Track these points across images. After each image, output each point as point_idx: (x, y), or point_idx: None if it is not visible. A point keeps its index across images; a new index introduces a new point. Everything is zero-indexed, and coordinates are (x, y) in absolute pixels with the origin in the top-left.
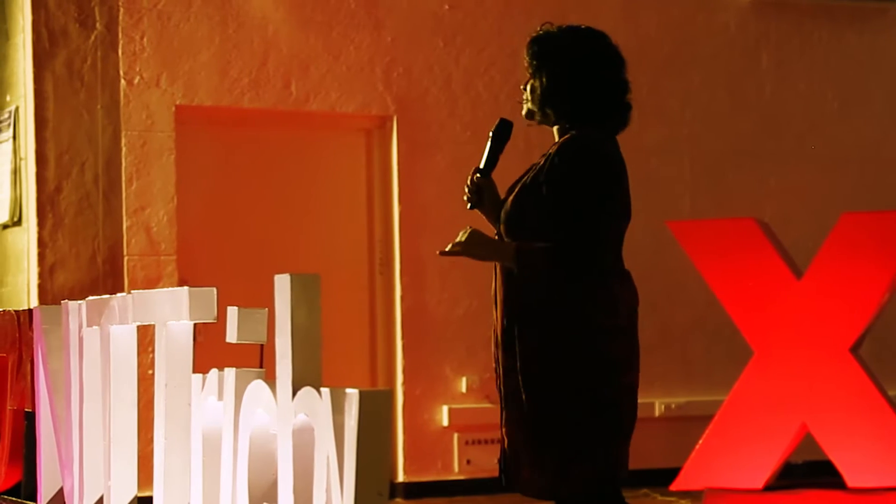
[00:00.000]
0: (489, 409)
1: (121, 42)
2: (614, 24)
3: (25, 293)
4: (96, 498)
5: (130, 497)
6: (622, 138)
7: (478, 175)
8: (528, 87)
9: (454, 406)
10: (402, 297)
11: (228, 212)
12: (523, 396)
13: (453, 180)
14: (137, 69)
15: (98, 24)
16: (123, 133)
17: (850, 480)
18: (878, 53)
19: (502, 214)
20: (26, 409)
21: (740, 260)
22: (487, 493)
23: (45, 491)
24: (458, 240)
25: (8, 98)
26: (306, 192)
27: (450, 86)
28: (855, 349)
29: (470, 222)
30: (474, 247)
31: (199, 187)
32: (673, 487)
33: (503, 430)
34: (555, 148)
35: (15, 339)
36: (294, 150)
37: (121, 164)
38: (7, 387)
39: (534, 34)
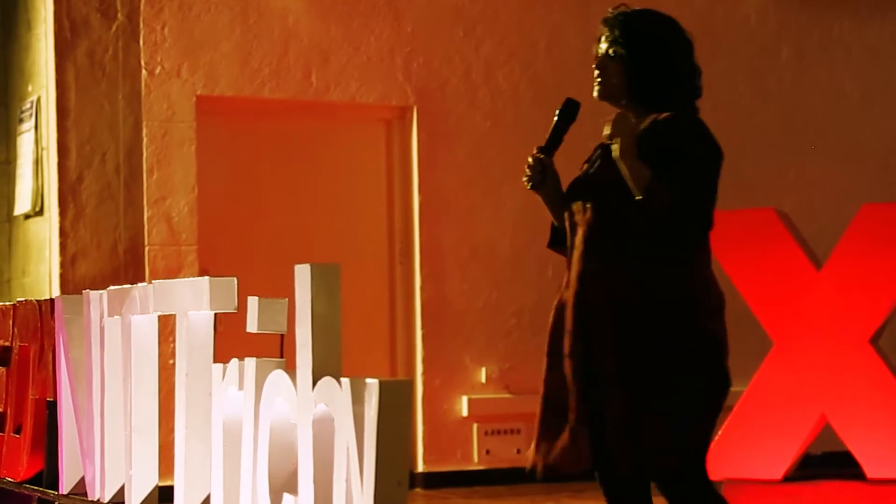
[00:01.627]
0: (509, 399)
1: (142, 32)
2: None
3: (47, 283)
4: (118, 487)
5: (151, 486)
6: None
7: (541, 154)
8: (607, 67)
9: (474, 396)
10: (422, 288)
11: (249, 202)
12: (622, 376)
13: (473, 170)
14: (158, 59)
15: (119, 15)
16: (144, 123)
17: (870, 471)
18: None
19: (599, 182)
20: (48, 399)
21: (760, 251)
22: (507, 483)
23: (66, 480)
24: (608, 131)
25: (30, 88)
26: (326, 183)
27: (470, 76)
28: (874, 340)
29: (490, 213)
30: (627, 135)
31: (220, 177)
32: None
33: (587, 411)
34: (657, 125)
35: (37, 329)
36: (314, 140)
37: (142, 154)
38: (29, 376)
39: (615, 14)
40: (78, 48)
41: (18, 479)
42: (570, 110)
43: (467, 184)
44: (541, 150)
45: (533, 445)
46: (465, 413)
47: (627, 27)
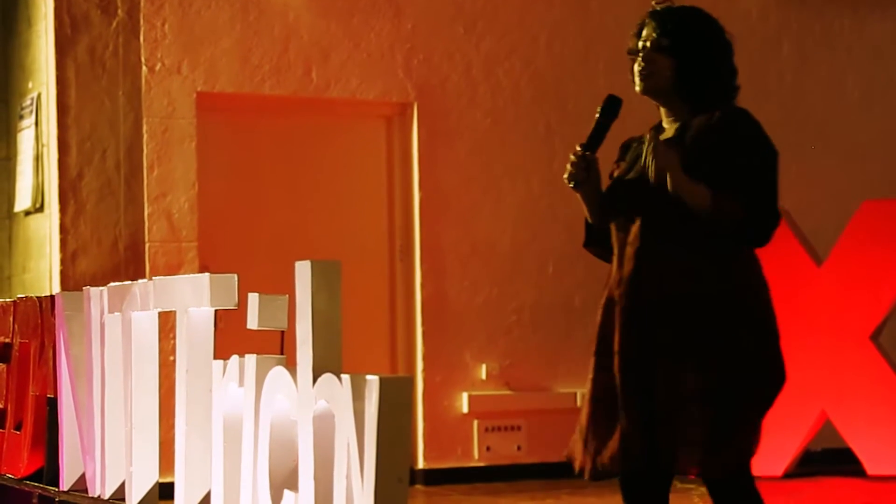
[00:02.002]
0: (509, 396)
1: (142, 29)
2: (636, 11)
3: (47, 279)
4: (118, 483)
5: (152, 483)
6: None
7: (587, 152)
8: (652, 64)
9: (474, 393)
10: (423, 285)
11: (249, 198)
12: (684, 373)
13: (473, 167)
14: (159, 56)
15: (120, 11)
16: (145, 120)
17: (870, 468)
18: None
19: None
20: (48, 395)
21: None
22: (507, 479)
23: (67, 476)
24: (647, 157)
25: (30, 85)
26: (327, 179)
27: (470, 73)
28: (875, 337)
29: (490, 210)
30: (670, 158)
31: (220, 174)
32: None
33: (640, 411)
34: (713, 123)
35: (37, 326)
36: (314, 136)
37: (142, 150)
38: (29, 373)
39: (664, 8)
40: (78, 45)
41: (19, 476)
42: (612, 107)
43: (468, 180)
44: (584, 147)
45: (579, 446)
46: (465, 410)
47: (678, 21)
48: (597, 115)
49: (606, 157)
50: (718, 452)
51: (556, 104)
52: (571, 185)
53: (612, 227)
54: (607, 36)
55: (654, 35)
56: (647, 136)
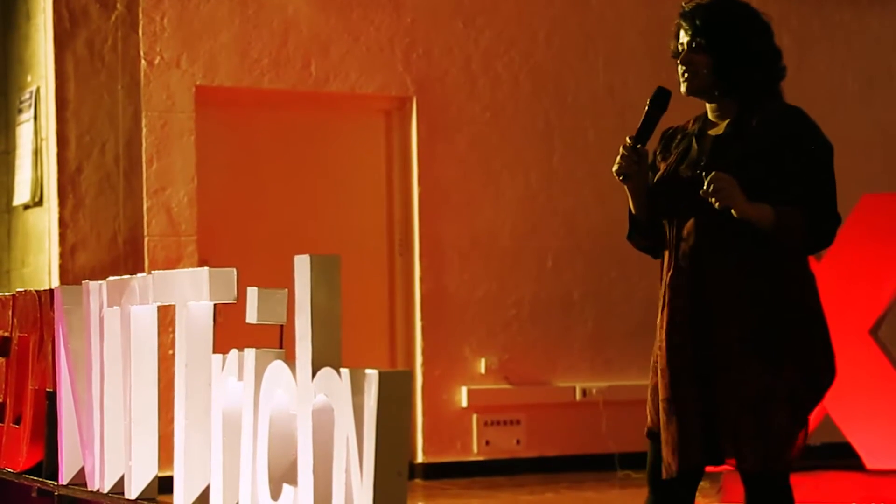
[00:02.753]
0: (508, 390)
1: (141, 22)
2: (635, 6)
3: (46, 273)
4: (117, 477)
5: (151, 476)
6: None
7: (639, 145)
8: (691, 65)
9: (473, 387)
10: (422, 279)
11: (248, 192)
12: (745, 373)
13: (473, 161)
14: (158, 50)
15: (118, 5)
16: (144, 114)
17: (869, 462)
18: None
19: (715, 187)
20: (47, 389)
21: None
22: (506, 473)
23: (66, 470)
24: (708, 188)
25: (29, 78)
26: (326, 173)
27: (469, 67)
28: (874, 331)
29: (490, 204)
30: (732, 193)
31: (220, 168)
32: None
33: (696, 407)
34: (769, 121)
35: (36, 319)
36: (314, 130)
37: (141, 144)
38: (28, 367)
39: (693, 7)
40: (77, 38)
41: (18, 470)
42: (661, 99)
43: (467, 175)
44: (634, 139)
45: (668, 448)
46: (464, 404)
47: (708, 18)
48: (646, 107)
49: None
50: (772, 450)
51: (556, 98)
52: (620, 179)
53: (665, 222)
54: (607, 30)
55: (687, 36)
56: (691, 127)
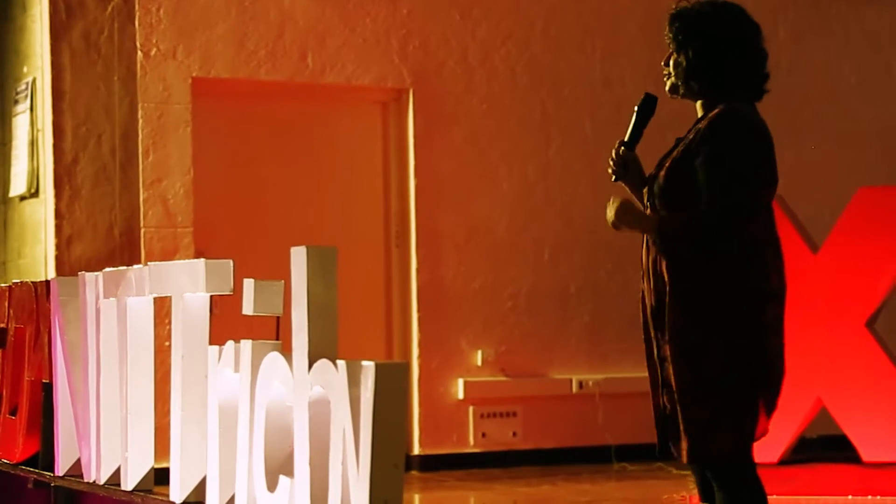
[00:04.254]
0: (504, 382)
1: (137, 14)
2: None
3: (43, 265)
4: (113, 469)
5: (147, 468)
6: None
7: (622, 148)
8: (672, 63)
9: (469, 379)
10: (418, 271)
11: (245, 184)
12: (673, 364)
13: (469, 153)
14: (154, 41)
15: None
16: (140, 105)
17: (865, 455)
18: None
19: (656, 189)
20: (44, 381)
21: None
22: (502, 465)
23: (62, 462)
24: (608, 212)
25: (25, 69)
26: (322, 165)
27: (466, 59)
28: (871, 323)
29: (486, 196)
30: (624, 216)
31: (216, 159)
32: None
33: (657, 399)
34: (704, 121)
35: (32, 311)
36: (310, 122)
37: (137, 136)
38: (24, 358)
39: (674, 10)
40: (73, 30)
41: (14, 461)
42: (648, 105)
43: (464, 166)
44: (622, 144)
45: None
46: (461, 396)
47: (685, 21)
48: (634, 114)
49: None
50: (704, 442)
51: (553, 90)
52: (613, 180)
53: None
54: (604, 22)
55: (669, 37)
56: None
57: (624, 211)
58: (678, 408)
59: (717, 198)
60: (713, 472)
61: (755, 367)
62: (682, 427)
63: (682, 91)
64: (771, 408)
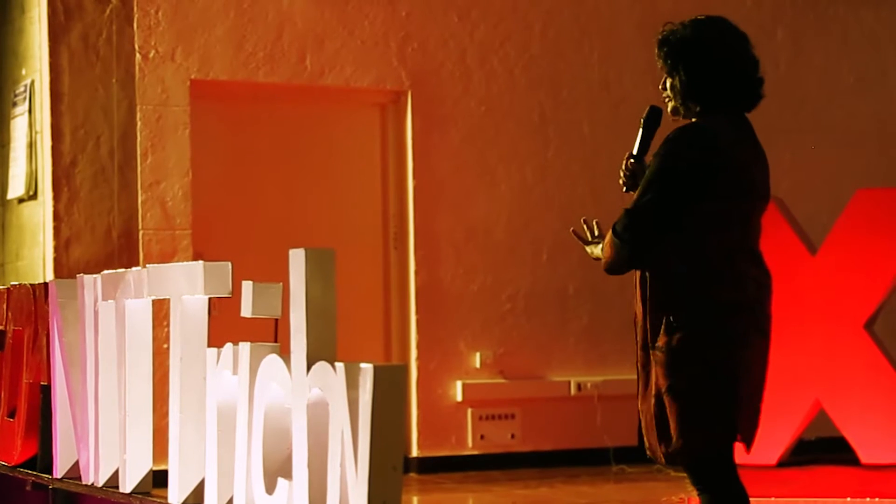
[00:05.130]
0: (503, 384)
1: (136, 16)
2: (630, 0)
3: (41, 267)
4: (112, 471)
5: (146, 470)
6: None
7: (632, 160)
8: (668, 86)
9: (468, 381)
10: (417, 272)
11: (243, 186)
12: (649, 370)
13: (468, 155)
14: (152, 43)
15: None
16: (138, 107)
17: (864, 457)
18: (895, 30)
19: None
20: (42, 383)
21: None
22: (501, 468)
23: (60, 464)
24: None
25: (23, 72)
26: (321, 167)
27: (464, 61)
28: (869, 325)
29: (485, 197)
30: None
31: (214, 161)
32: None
33: (638, 403)
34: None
35: (31, 313)
36: (309, 124)
37: (136, 138)
38: (23, 360)
39: (660, 35)
40: (72, 32)
41: (13, 463)
42: (653, 117)
43: (462, 168)
44: (631, 156)
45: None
46: (459, 398)
47: (671, 49)
48: (640, 127)
49: None
50: (682, 444)
51: (551, 92)
52: (625, 191)
53: None
54: (601, 24)
55: (659, 61)
56: None
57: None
58: (655, 412)
59: (627, 217)
60: (691, 475)
61: (720, 376)
62: (658, 431)
63: (682, 112)
64: (748, 415)
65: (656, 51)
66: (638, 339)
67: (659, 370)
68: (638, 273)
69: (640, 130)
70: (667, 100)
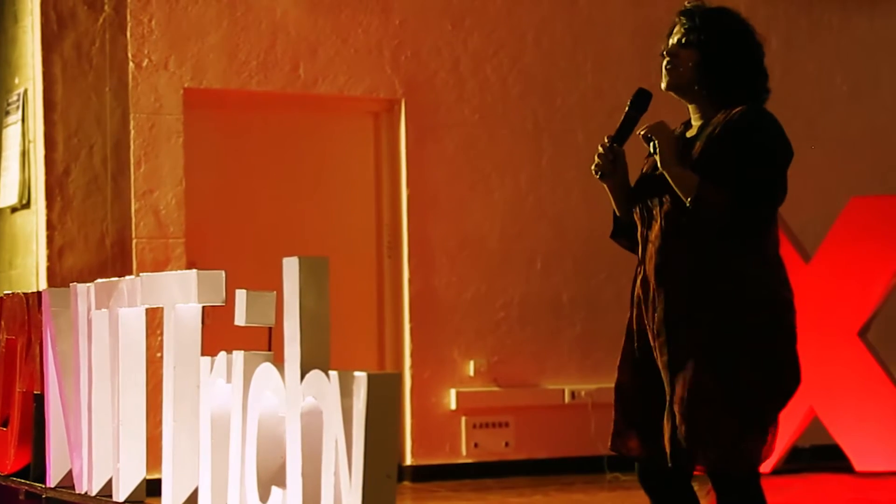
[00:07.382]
0: (497, 392)
1: (129, 24)
2: (623, 7)
3: (34, 276)
4: (105, 480)
5: (139, 479)
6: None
7: (615, 144)
8: (676, 58)
9: (462, 389)
10: (411, 281)
11: (237, 195)
12: (701, 373)
13: (461, 163)
14: (146, 52)
15: (106, 7)
16: (132, 116)
17: (858, 464)
18: (888, 38)
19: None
20: (35, 392)
21: None
22: (495, 476)
23: (54, 473)
24: (647, 133)
25: (16, 80)
26: (314, 175)
27: (458, 69)
28: (863, 333)
29: (478, 206)
30: (660, 132)
31: (208, 170)
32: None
33: (672, 408)
34: (729, 119)
35: (24, 322)
36: (302, 133)
37: (129, 146)
38: (16, 369)
39: (693, 7)
40: (65, 40)
41: (6, 473)
42: (641, 100)
43: (456, 176)
44: (612, 139)
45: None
46: (453, 406)
47: (706, 19)
48: (626, 108)
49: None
50: (726, 451)
51: (544, 100)
52: (598, 177)
53: (637, 222)
54: (595, 32)
55: (681, 31)
56: (677, 131)
57: (661, 127)
58: (696, 418)
59: (759, 190)
60: (724, 482)
61: (784, 375)
62: (704, 438)
63: (689, 86)
64: (766, 418)
65: (683, 18)
66: (652, 339)
67: (705, 365)
68: (662, 268)
69: (626, 112)
70: (667, 70)
